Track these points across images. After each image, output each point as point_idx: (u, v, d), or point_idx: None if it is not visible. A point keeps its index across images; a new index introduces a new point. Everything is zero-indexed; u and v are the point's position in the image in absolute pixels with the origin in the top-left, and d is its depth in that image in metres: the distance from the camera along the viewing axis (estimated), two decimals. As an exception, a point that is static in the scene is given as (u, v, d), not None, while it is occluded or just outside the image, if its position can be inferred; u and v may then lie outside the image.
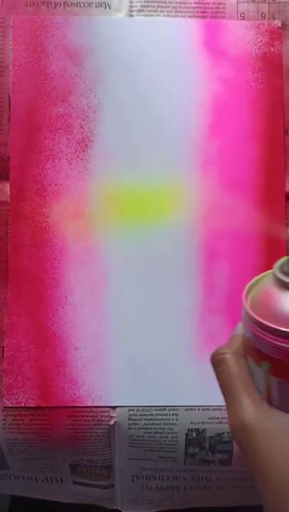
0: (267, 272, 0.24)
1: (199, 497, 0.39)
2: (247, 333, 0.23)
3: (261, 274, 0.24)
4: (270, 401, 0.23)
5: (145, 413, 0.37)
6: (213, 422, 0.36)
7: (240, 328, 0.24)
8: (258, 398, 0.22)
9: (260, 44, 0.39)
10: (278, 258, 0.22)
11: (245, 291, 0.23)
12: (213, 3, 0.39)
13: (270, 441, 0.21)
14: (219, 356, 0.24)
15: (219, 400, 0.23)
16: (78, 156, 0.38)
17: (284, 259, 0.22)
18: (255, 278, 0.24)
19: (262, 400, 0.22)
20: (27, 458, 0.38)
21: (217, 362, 0.24)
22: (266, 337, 0.21)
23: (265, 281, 0.23)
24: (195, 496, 0.39)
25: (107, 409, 0.37)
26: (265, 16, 0.40)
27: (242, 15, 0.40)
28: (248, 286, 0.23)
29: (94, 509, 0.41)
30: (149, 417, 0.37)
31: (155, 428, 0.36)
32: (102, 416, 0.37)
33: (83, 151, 0.38)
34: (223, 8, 0.39)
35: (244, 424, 0.22)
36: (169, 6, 0.39)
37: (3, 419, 0.37)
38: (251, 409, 0.22)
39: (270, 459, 0.21)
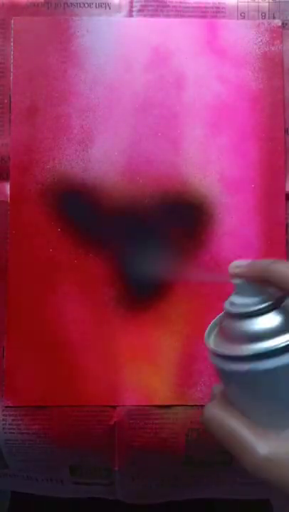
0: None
1: (200, 493, 0.40)
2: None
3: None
4: None
5: (145, 413, 0.37)
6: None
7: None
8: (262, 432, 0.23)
9: (261, 43, 0.39)
10: (278, 259, 0.23)
11: (206, 333, 0.26)
12: (213, 3, 0.39)
13: None
14: (204, 415, 0.25)
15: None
16: (78, 157, 0.38)
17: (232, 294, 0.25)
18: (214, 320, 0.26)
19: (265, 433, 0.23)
20: (26, 459, 0.38)
21: (205, 420, 0.25)
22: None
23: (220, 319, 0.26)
24: (196, 492, 0.40)
25: (107, 409, 0.37)
26: (265, 16, 0.40)
27: (242, 14, 0.40)
28: (208, 328, 0.26)
29: (94, 503, 0.41)
30: (149, 417, 0.37)
31: (155, 428, 0.36)
32: (102, 416, 0.37)
33: (83, 151, 0.39)
34: (223, 8, 0.39)
35: (265, 458, 0.22)
36: (168, 6, 0.39)
37: (3, 420, 0.37)
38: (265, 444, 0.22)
39: None
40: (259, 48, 0.39)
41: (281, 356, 0.22)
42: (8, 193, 0.38)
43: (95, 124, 0.39)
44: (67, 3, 0.39)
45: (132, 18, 0.39)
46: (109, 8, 0.39)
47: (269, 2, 0.39)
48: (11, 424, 0.37)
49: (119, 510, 0.42)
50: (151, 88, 0.39)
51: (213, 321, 0.26)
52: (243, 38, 0.39)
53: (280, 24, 0.39)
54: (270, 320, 0.23)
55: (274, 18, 0.39)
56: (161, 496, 0.40)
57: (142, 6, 0.39)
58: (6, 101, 0.39)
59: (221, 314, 0.26)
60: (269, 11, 0.40)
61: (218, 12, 0.39)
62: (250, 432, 0.23)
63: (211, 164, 0.38)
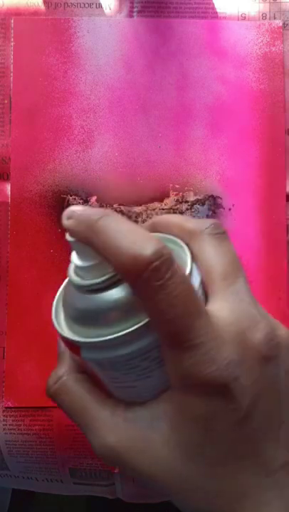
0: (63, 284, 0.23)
1: None
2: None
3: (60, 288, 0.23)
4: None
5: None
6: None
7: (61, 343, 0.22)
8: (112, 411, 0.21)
9: (261, 44, 0.39)
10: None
11: (53, 310, 0.22)
12: (214, 3, 0.39)
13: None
14: (56, 385, 0.22)
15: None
16: (79, 157, 0.38)
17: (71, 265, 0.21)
18: (58, 293, 0.23)
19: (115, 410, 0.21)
20: (26, 461, 0.37)
21: (57, 392, 0.22)
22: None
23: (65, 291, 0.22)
24: None
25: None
26: (266, 16, 0.40)
27: (243, 15, 0.39)
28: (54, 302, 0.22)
29: (95, 501, 0.41)
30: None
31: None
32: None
33: (84, 151, 0.39)
34: (224, 8, 0.39)
35: (113, 448, 0.20)
36: (169, 7, 0.39)
37: (3, 420, 0.37)
38: (113, 430, 0.20)
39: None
40: (260, 49, 0.39)
41: (135, 341, 0.19)
42: (9, 193, 0.38)
43: (96, 124, 0.39)
44: (67, 3, 0.39)
45: (132, 19, 0.39)
46: (110, 9, 0.39)
47: (270, 2, 0.39)
48: (11, 425, 0.37)
49: (118, 507, 0.42)
50: (152, 89, 0.39)
51: (60, 290, 0.23)
52: (244, 38, 0.39)
53: (280, 25, 0.39)
54: (113, 297, 0.19)
55: (275, 18, 0.39)
56: (162, 495, 0.40)
57: (142, 6, 0.39)
58: (6, 101, 0.39)
59: (65, 280, 0.22)
60: (270, 11, 0.39)
61: (218, 13, 0.39)
62: (101, 414, 0.21)
63: (212, 165, 0.38)
